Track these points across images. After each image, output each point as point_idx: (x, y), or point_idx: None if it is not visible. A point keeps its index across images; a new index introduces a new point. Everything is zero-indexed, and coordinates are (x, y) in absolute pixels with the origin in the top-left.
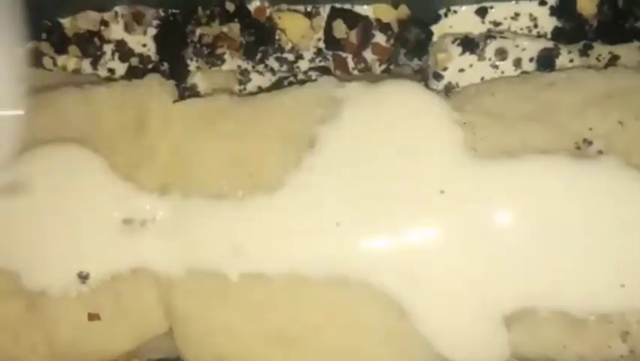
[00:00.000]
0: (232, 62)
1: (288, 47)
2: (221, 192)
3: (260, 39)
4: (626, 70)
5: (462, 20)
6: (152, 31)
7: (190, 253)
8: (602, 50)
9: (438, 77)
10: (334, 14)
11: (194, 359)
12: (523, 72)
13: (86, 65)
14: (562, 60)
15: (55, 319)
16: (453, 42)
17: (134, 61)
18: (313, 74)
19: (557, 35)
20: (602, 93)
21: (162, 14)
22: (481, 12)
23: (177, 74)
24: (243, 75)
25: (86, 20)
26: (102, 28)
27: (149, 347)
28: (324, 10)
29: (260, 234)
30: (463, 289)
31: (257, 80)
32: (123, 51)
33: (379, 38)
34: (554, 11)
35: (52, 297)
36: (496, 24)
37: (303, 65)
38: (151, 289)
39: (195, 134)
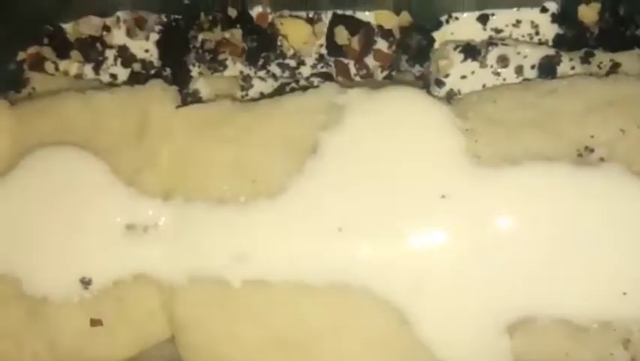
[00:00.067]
0: (234, 67)
1: (290, 53)
2: (223, 198)
3: (262, 45)
4: (628, 77)
5: (463, 27)
6: (154, 36)
7: (192, 259)
8: (603, 58)
9: (440, 83)
10: (336, 20)
11: None
12: (525, 79)
13: (88, 70)
14: (563, 67)
15: (56, 325)
16: (455, 49)
17: (137, 66)
18: (315, 80)
19: (559, 43)
20: (604, 101)
21: (164, 20)
22: (483, 19)
23: (179, 79)
24: (245, 81)
25: (88, 25)
26: (104, 33)
27: (151, 353)
28: (326, 17)
29: (262, 240)
30: (465, 296)
31: (259, 86)
32: (125, 56)
33: (381, 45)
34: (556, 19)
35: (53, 303)
36: (498, 31)
37: (305, 71)
38: (153, 296)
39: (198, 139)
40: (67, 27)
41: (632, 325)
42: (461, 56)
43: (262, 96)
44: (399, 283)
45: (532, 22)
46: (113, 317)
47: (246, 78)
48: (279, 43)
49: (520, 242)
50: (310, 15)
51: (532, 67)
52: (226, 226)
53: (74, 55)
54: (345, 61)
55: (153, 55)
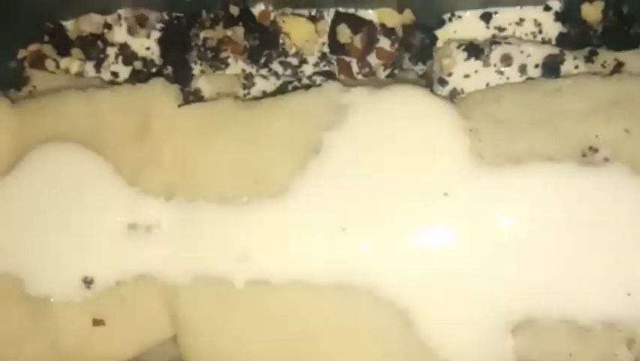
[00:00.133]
0: (236, 65)
1: (292, 51)
2: (226, 198)
3: (264, 43)
4: (632, 77)
5: (466, 25)
6: (155, 34)
7: (195, 259)
8: (607, 57)
9: (442, 82)
10: (338, 19)
11: None
12: (529, 78)
13: (89, 67)
14: (567, 66)
15: (59, 324)
16: (458, 48)
17: (138, 64)
18: (317, 79)
19: (562, 41)
20: (608, 100)
21: (166, 17)
22: (486, 17)
23: (181, 77)
24: (247, 79)
25: (89, 23)
26: (105, 31)
27: (154, 353)
28: (329, 15)
29: (265, 240)
30: (468, 297)
31: (261, 85)
32: (126, 54)
33: (384, 43)
34: (559, 17)
35: (56, 302)
36: (501, 29)
37: (308, 69)
38: (156, 296)
39: (200, 138)
40: (68, 24)
41: (636, 326)
42: (464, 55)
43: (264, 95)
44: (402, 283)
45: (535, 21)
46: (116, 317)
47: (248, 76)
48: (281, 41)
49: (525, 242)
50: (312, 13)
51: (536, 66)
52: (229, 225)
53: (75, 53)
54: (348, 59)
55: (155, 53)
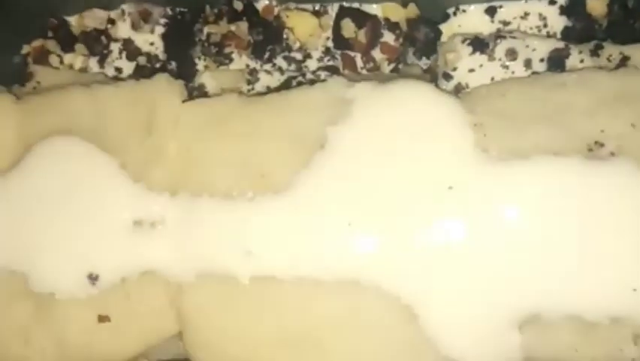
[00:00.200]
0: (240, 60)
1: (296, 46)
2: (230, 193)
3: (268, 38)
4: (637, 70)
5: (471, 19)
6: (159, 29)
7: (200, 255)
8: (612, 51)
9: (447, 77)
10: (343, 13)
11: None
12: (534, 73)
13: (92, 63)
14: (572, 60)
15: (64, 321)
16: (463, 42)
17: (142, 60)
18: (322, 74)
19: (567, 35)
20: (614, 95)
21: (170, 12)
22: (491, 11)
23: (185, 73)
24: (252, 75)
25: (92, 18)
26: (109, 26)
27: (159, 349)
28: (333, 9)
29: (271, 235)
30: (474, 292)
31: (265, 80)
32: (130, 50)
33: (388, 37)
34: (564, 11)
35: (61, 299)
36: (506, 23)
37: (312, 64)
38: (161, 292)
39: (204, 134)
40: (72, 20)
41: None
42: (469, 49)
43: (268, 90)
44: (408, 279)
45: (540, 15)
46: (121, 314)
47: (252, 72)
48: (285, 36)
49: (530, 237)
50: (316, 8)
51: (541, 60)
52: (234, 221)
53: (79, 48)
54: (352, 54)
55: (158, 48)
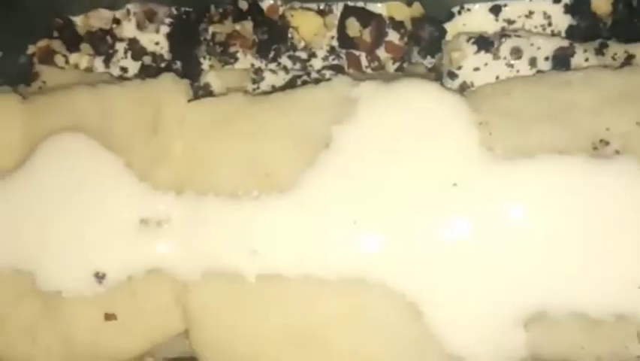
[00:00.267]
0: (245, 60)
1: (301, 45)
2: (236, 192)
3: (273, 37)
4: None
5: (475, 18)
6: (164, 29)
7: (206, 253)
8: (617, 49)
9: (452, 75)
10: (347, 12)
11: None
12: (539, 71)
13: (98, 63)
14: (577, 59)
15: (71, 319)
16: (467, 40)
17: (147, 59)
18: (327, 73)
19: (572, 34)
20: (619, 93)
21: (175, 12)
22: (495, 10)
23: (190, 72)
24: (257, 74)
25: (98, 18)
26: (114, 26)
27: (165, 347)
28: (337, 8)
29: (276, 234)
30: (479, 290)
31: (270, 79)
32: (135, 49)
33: (393, 36)
34: (569, 9)
35: (68, 297)
36: (510, 22)
37: (317, 63)
38: (167, 290)
39: (210, 133)
40: (77, 20)
41: None
42: (474, 48)
43: (274, 89)
44: (413, 276)
45: (544, 13)
46: (127, 312)
47: (257, 71)
48: (289, 35)
49: (535, 235)
50: (321, 7)
51: (546, 58)
52: (239, 220)
53: (84, 48)
54: (357, 53)
55: (164, 48)
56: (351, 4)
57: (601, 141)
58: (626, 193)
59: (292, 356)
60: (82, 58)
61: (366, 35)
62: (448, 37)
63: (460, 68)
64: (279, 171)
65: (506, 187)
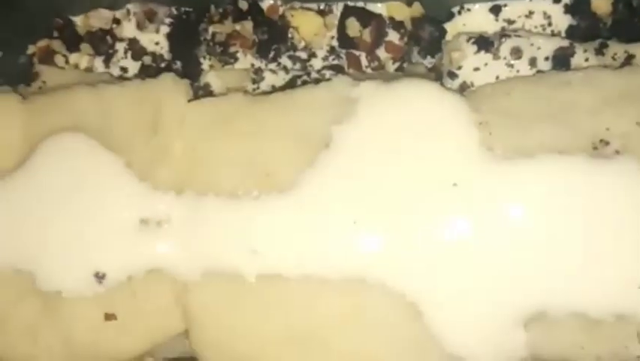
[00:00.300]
0: (245, 60)
1: (301, 45)
2: (236, 192)
3: (273, 37)
4: None
5: (475, 18)
6: (164, 29)
7: (206, 253)
8: (617, 49)
9: (452, 75)
10: (347, 12)
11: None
12: (539, 71)
13: (98, 63)
14: (577, 59)
15: (71, 319)
16: (467, 40)
17: (147, 59)
18: (326, 73)
19: (572, 33)
20: (619, 93)
21: (175, 12)
22: (495, 10)
23: (190, 72)
24: (257, 74)
25: (98, 18)
26: (114, 26)
27: (165, 347)
28: (337, 8)
29: (277, 234)
30: (480, 290)
31: (270, 79)
32: (135, 49)
33: (393, 36)
34: (569, 9)
35: (68, 297)
36: (510, 22)
37: (317, 63)
38: (167, 290)
39: (210, 133)
40: (77, 20)
41: None
42: (474, 48)
43: (274, 89)
44: (413, 276)
45: (544, 13)
46: (127, 312)
47: (257, 71)
48: (289, 35)
49: (535, 235)
50: (321, 7)
51: (546, 59)
52: (239, 220)
53: (84, 48)
54: (357, 53)
55: (164, 48)
56: (351, 4)
57: (601, 141)
58: (626, 193)
59: (292, 356)
60: (82, 58)
61: (366, 35)
62: (448, 37)
63: (460, 68)
64: (279, 171)
65: (506, 187)
